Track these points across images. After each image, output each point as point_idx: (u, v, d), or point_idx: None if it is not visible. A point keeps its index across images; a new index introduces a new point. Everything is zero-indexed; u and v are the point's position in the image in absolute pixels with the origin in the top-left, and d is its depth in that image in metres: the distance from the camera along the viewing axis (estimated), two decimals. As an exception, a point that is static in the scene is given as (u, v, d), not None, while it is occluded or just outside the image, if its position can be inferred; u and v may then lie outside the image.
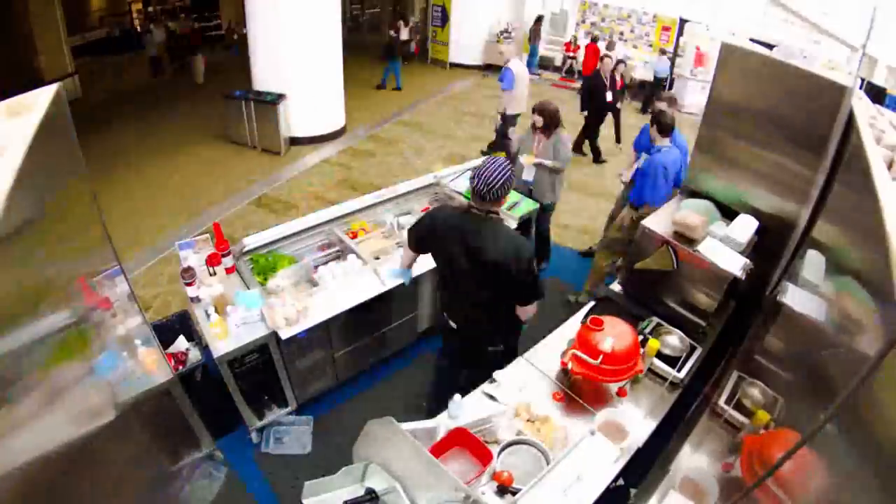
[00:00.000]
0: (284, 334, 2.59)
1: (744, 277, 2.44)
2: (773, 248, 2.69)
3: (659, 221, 2.77)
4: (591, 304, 2.87)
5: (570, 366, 2.17)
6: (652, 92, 9.10)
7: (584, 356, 2.12)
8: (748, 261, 2.49)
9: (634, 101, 9.87)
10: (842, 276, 1.61)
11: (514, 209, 3.74)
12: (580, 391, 2.30)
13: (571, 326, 2.76)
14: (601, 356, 2.07)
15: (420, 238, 2.29)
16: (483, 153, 6.68)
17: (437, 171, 4.00)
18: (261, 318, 2.65)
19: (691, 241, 2.60)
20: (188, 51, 9.99)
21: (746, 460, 1.84)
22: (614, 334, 2.13)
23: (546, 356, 2.47)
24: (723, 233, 2.61)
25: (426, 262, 3.11)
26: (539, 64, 11.53)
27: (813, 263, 1.99)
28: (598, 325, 2.17)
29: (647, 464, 2.14)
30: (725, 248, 2.55)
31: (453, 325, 2.38)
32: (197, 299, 2.71)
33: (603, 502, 1.82)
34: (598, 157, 7.06)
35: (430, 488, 1.55)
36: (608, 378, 2.13)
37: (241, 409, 2.80)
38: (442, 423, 2.04)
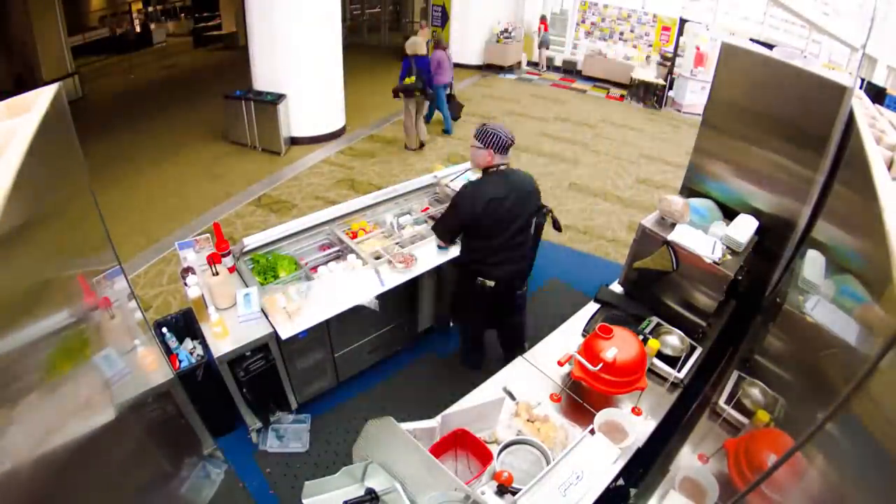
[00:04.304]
0: (284, 334, 2.59)
1: (728, 268, 2.43)
2: (773, 248, 2.69)
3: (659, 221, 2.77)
4: (596, 307, 2.86)
5: (567, 366, 2.16)
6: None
7: (583, 360, 2.12)
8: (722, 243, 2.52)
9: (635, 102, 9.88)
10: (842, 276, 1.61)
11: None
12: (581, 392, 2.30)
13: (571, 327, 2.76)
14: (600, 364, 2.06)
15: (465, 223, 2.59)
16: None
17: (437, 171, 4.00)
18: (261, 318, 2.66)
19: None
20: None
21: (734, 464, 1.84)
22: (620, 346, 2.11)
23: (546, 356, 2.46)
24: (723, 233, 2.61)
25: (426, 263, 3.14)
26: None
27: (813, 263, 1.99)
28: (606, 334, 2.16)
29: (647, 464, 2.14)
30: (697, 232, 2.56)
31: (490, 284, 2.70)
32: (198, 298, 2.70)
33: (603, 502, 1.82)
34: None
35: (430, 488, 1.55)
36: (606, 388, 2.11)
37: (242, 408, 2.80)
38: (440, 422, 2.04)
